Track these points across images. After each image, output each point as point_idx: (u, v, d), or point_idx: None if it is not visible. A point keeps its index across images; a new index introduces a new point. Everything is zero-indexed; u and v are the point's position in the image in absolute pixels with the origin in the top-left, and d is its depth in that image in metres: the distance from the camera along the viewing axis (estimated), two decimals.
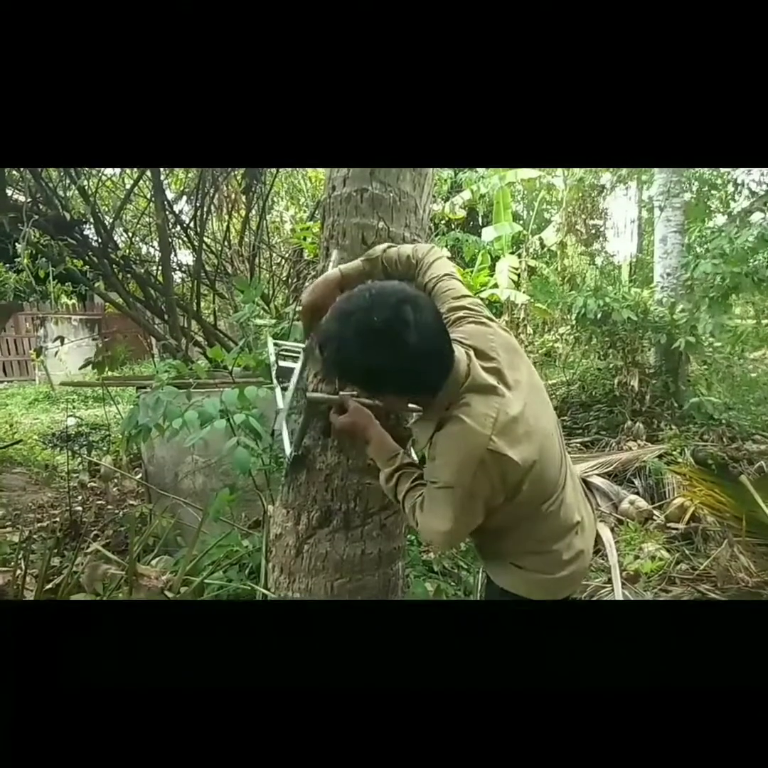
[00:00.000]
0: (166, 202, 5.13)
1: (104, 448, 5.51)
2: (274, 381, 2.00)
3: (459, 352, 1.20)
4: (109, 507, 4.25)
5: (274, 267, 6.34)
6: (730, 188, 7.39)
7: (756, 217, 6.95)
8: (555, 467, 1.30)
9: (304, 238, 4.12)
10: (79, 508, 4.14)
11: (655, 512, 3.77)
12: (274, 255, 6.48)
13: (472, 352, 1.22)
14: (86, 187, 4.78)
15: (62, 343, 5.48)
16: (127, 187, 5.40)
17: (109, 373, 4.87)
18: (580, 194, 9.04)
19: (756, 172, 7.33)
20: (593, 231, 9.60)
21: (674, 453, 4.51)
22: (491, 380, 1.20)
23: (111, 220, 5.30)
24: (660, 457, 4.40)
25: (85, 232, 5.19)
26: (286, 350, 2.17)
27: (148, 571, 1.94)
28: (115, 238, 5.45)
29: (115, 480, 4.70)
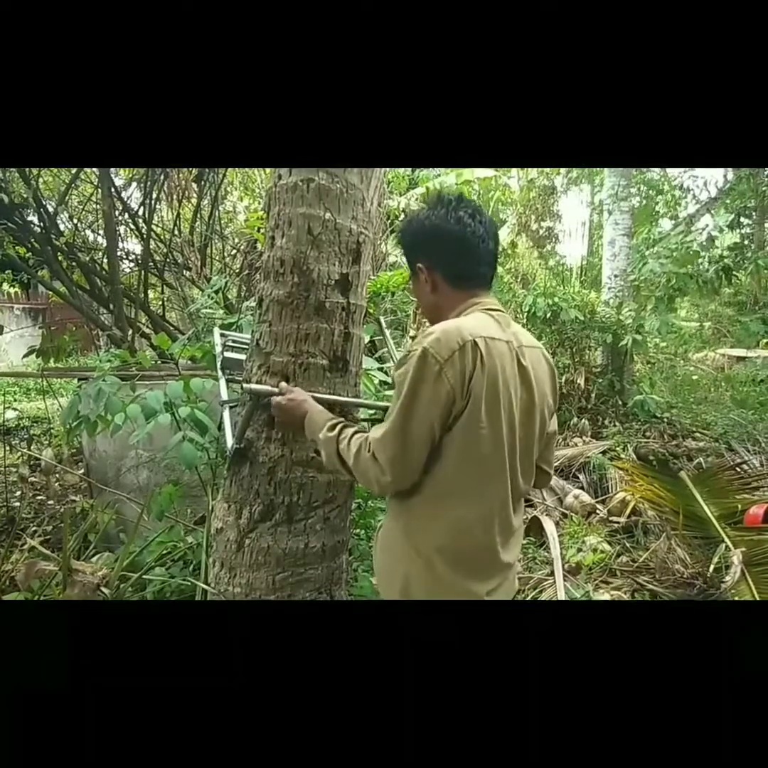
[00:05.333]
0: (113, 188, 4.97)
1: (46, 442, 5.32)
2: (220, 372, 1.96)
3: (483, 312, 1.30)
4: (50, 502, 4.11)
5: (226, 258, 6.23)
6: (677, 192, 7.63)
7: (704, 221, 7.20)
8: (502, 464, 1.25)
9: (257, 229, 4.05)
10: (17, 504, 3.98)
11: (598, 506, 3.88)
12: (227, 246, 6.37)
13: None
14: (27, 170, 4.58)
15: (1, 333, 5.25)
16: (72, 171, 5.20)
17: (54, 364, 4.70)
18: (532, 194, 9.19)
19: (700, 179, 7.61)
20: (545, 233, 9.79)
21: (617, 449, 4.65)
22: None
23: (55, 206, 5.09)
24: (604, 453, 4.53)
25: (27, 218, 4.99)
26: (234, 341, 2.14)
27: (83, 567, 1.88)
28: (59, 225, 5.26)
29: (57, 475, 4.54)
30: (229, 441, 1.68)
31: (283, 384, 1.54)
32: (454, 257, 1.33)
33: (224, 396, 1.85)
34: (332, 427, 1.35)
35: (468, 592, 1.25)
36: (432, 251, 1.34)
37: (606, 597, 2.78)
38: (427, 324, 1.41)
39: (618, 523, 3.68)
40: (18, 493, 4.28)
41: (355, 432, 1.31)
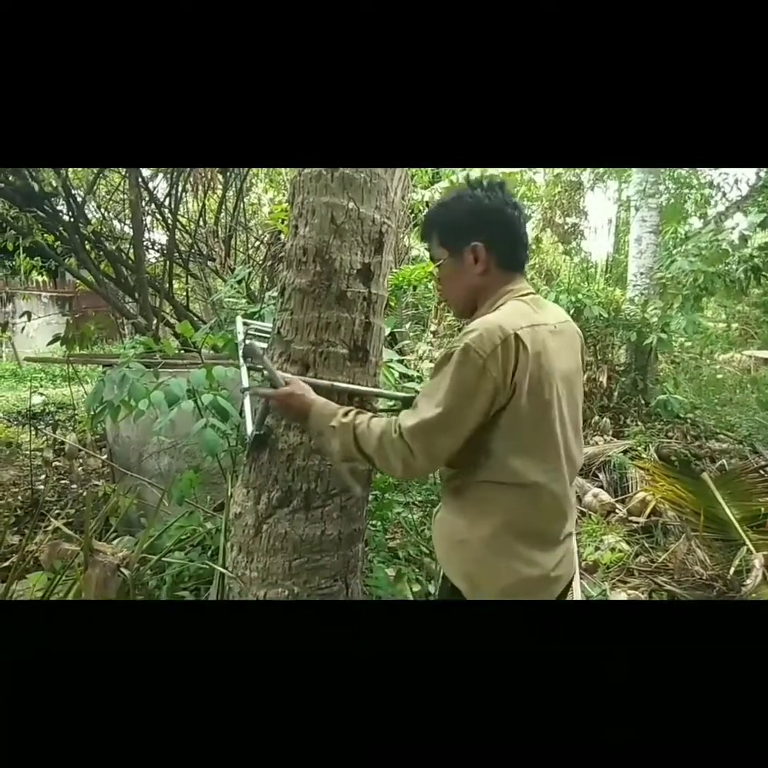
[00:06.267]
0: (140, 179, 5.03)
1: (70, 427, 5.43)
2: (241, 360, 1.98)
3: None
4: (73, 486, 4.19)
5: (250, 250, 6.27)
6: (707, 190, 7.48)
7: (735, 219, 7.06)
8: (557, 439, 1.28)
9: (281, 221, 4.07)
10: (41, 487, 4.07)
11: (618, 506, 3.85)
12: (252, 237, 6.41)
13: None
14: None
15: (29, 319, 5.35)
16: None
17: (79, 351, 4.77)
18: (558, 190, 9.09)
19: (731, 176, 7.45)
20: (570, 228, 9.68)
21: (639, 449, 4.60)
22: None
23: (83, 195, 5.17)
24: (625, 452, 4.49)
25: (56, 206, 5.07)
26: (256, 330, 2.15)
27: (104, 548, 1.91)
28: (87, 214, 5.33)
29: (80, 459, 4.63)
30: (249, 428, 1.70)
31: (281, 379, 1.53)
32: (513, 240, 1.34)
33: (245, 383, 1.87)
34: (346, 414, 1.35)
35: (536, 566, 1.27)
36: (493, 231, 1.32)
37: (623, 596, 2.75)
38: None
39: (637, 522, 3.65)
40: (43, 476, 4.37)
41: (372, 417, 1.33)
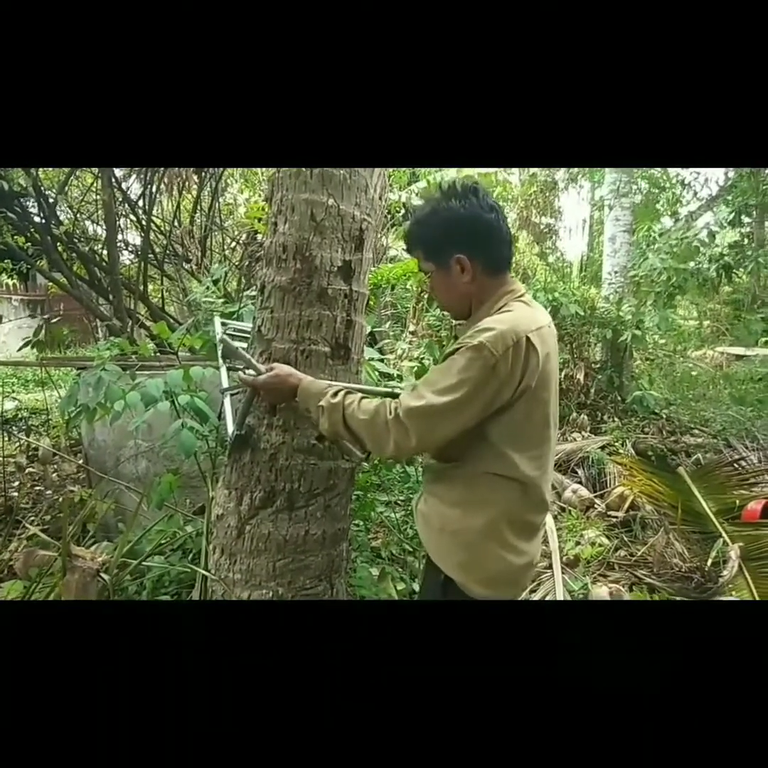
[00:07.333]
0: (113, 179, 4.95)
1: (44, 432, 5.31)
2: (220, 360, 1.96)
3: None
4: (48, 492, 4.10)
5: (226, 250, 6.21)
6: (678, 189, 7.62)
7: (706, 218, 7.20)
8: (548, 435, 1.34)
9: (258, 219, 4.04)
10: (15, 494, 3.98)
11: (597, 501, 3.88)
12: (227, 238, 6.35)
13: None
14: None
15: (0, 322, 5.23)
16: None
17: (51, 354, 4.68)
18: (534, 189, 9.17)
19: (701, 175, 7.60)
20: (545, 228, 9.77)
21: (616, 444, 4.65)
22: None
23: (54, 195, 5.07)
24: (603, 448, 4.53)
25: (26, 207, 4.97)
26: (235, 329, 2.13)
27: (83, 553, 1.88)
28: (59, 215, 5.24)
29: (55, 465, 4.54)
30: (230, 428, 1.68)
31: (261, 367, 1.54)
32: (495, 244, 1.35)
33: (225, 384, 1.85)
34: (335, 394, 1.36)
35: (523, 554, 1.34)
36: (474, 241, 1.33)
37: (604, 589, 2.78)
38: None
39: (616, 517, 3.68)
40: (16, 483, 4.27)
41: (362, 397, 1.35)
